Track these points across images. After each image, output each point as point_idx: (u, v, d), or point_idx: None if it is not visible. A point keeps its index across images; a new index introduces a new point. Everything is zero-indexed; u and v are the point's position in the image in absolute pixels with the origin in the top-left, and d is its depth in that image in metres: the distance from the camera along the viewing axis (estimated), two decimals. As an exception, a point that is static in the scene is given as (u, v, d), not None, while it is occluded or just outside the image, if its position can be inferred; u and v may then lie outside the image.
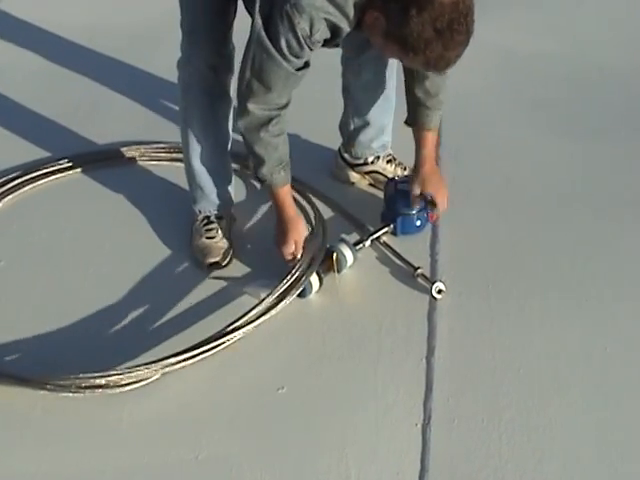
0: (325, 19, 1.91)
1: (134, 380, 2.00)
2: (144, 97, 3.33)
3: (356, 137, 2.68)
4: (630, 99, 3.33)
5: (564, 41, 3.76)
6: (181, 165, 2.61)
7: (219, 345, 2.05)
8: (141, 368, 1.99)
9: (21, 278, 2.42)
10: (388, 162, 2.73)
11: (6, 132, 3.11)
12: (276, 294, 2.17)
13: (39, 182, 2.79)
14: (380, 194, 2.65)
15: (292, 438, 1.95)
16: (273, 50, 1.94)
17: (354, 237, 2.48)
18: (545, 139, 3.06)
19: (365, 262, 2.43)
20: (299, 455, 1.91)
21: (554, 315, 2.28)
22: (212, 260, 2.41)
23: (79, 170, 2.86)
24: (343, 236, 2.45)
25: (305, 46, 1.94)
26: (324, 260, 2.32)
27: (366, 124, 2.64)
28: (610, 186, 2.80)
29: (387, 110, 2.63)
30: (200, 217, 2.50)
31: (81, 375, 1.97)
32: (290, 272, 2.21)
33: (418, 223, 2.52)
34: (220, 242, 2.45)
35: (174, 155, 2.87)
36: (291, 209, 2.32)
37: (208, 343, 2.04)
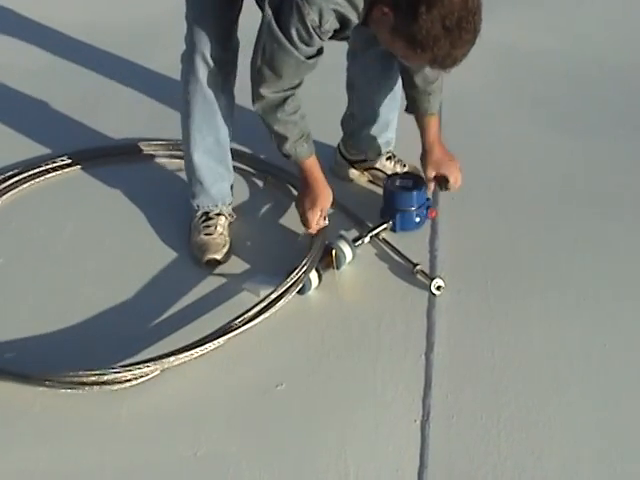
0: (334, 10, 1.94)
1: (133, 377, 2.00)
2: (144, 94, 3.33)
3: (360, 132, 2.68)
4: (630, 96, 3.33)
5: (564, 38, 3.76)
6: (180, 162, 2.61)
7: (218, 343, 2.05)
8: (140, 365, 1.99)
9: (20, 275, 2.42)
10: (388, 159, 2.72)
11: (5, 129, 3.11)
12: (276, 292, 2.16)
13: (38, 179, 2.79)
14: (379, 191, 2.65)
15: (291, 435, 1.95)
16: (284, 39, 1.98)
17: (353, 234, 2.48)
18: (545, 136, 3.05)
19: (364, 259, 2.43)
20: (298, 452, 1.91)
21: (553, 312, 2.27)
22: (211, 257, 2.41)
23: (78, 167, 2.86)
24: (342, 232, 2.45)
25: (315, 35, 1.97)
26: (323, 257, 2.32)
27: (370, 120, 2.64)
28: (610, 183, 2.79)
29: (392, 106, 2.63)
30: (199, 213, 2.50)
31: (80, 372, 1.97)
32: (294, 271, 2.21)
33: (417, 219, 2.52)
34: (219, 239, 2.45)
35: (173, 152, 2.87)
36: (320, 177, 2.34)
37: (207, 341, 2.03)
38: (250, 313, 2.10)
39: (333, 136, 2.78)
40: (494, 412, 1.98)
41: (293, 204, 2.62)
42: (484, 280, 2.37)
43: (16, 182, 2.75)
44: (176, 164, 2.81)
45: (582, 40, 3.76)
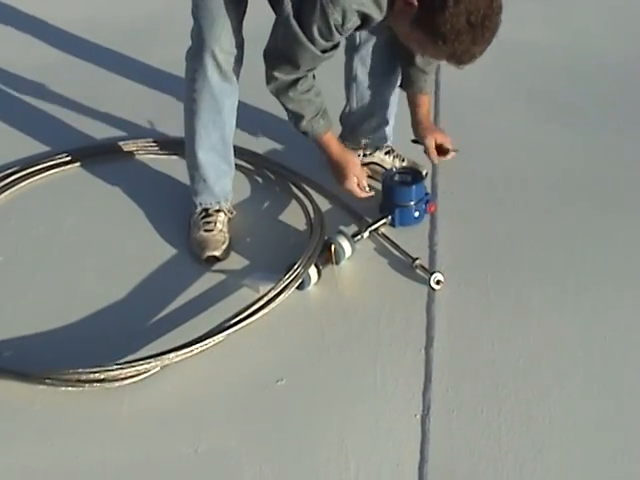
0: (357, 11, 1.97)
1: (133, 374, 2.00)
2: (144, 91, 3.33)
3: (359, 127, 2.68)
4: (629, 89, 3.33)
5: (563, 32, 3.76)
6: (179, 159, 2.61)
7: (218, 339, 2.05)
8: (140, 362, 1.99)
9: (20, 273, 2.42)
10: (387, 153, 2.72)
11: (4, 126, 3.11)
12: (276, 288, 2.16)
13: (37, 177, 2.79)
14: (378, 186, 2.64)
15: (291, 430, 1.95)
16: (302, 35, 2.02)
17: (352, 229, 2.48)
18: (544, 130, 3.05)
19: (363, 254, 2.43)
20: (298, 447, 1.91)
21: (553, 305, 2.27)
22: (210, 254, 2.41)
23: (77, 164, 2.86)
24: (341, 228, 2.44)
25: (336, 33, 2.01)
26: (322, 252, 2.32)
27: (370, 113, 2.65)
28: (609, 177, 2.79)
29: (392, 100, 2.63)
30: (198, 210, 2.50)
31: (80, 369, 1.97)
32: (292, 267, 2.21)
33: (416, 214, 2.52)
34: (218, 235, 2.45)
35: (173, 149, 2.87)
36: (340, 148, 2.38)
37: (207, 337, 2.03)
38: (250, 309, 2.10)
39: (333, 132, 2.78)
40: (494, 406, 1.98)
41: (292, 200, 2.63)
42: (483, 274, 2.37)
43: (15, 180, 2.75)
44: (175, 161, 2.81)
45: (581, 33, 3.75)
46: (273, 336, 2.18)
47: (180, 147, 2.60)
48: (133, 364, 1.99)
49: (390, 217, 2.50)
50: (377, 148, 2.71)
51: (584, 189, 2.73)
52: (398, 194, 2.51)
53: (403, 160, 2.72)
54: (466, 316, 2.24)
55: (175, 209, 2.61)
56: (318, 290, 2.32)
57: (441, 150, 2.55)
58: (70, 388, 1.98)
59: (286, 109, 2.25)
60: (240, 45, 2.29)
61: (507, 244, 2.49)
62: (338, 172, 2.39)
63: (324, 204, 2.62)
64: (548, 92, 3.31)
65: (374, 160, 2.73)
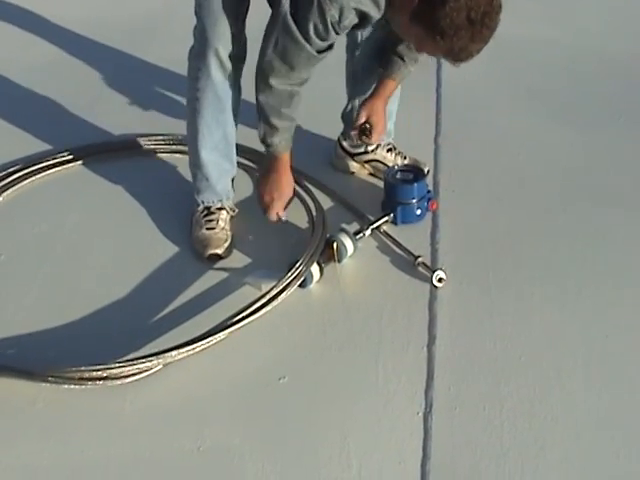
0: (355, 9, 1.96)
1: (135, 372, 2.00)
2: (145, 89, 3.33)
3: None
4: (629, 87, 3.33)
5: (563, 29, 3.76)
6: (182, 157, 2.61)
7: (221, 337, 2.05)
8: (142, 360, 1.99)
9: (22, 271, 2.42)
10: (388, 151, 2.72)
11: (6, 125, 3.11)
12: (278, 286, 2.16)
13: (39, 175, 2.79)
14: (380, 183, 2.65)
15: (294, 428, 1.95)
16: (298, 34, 2.01)
17: (354, 227, 2.48)
18: (544, 128, 3.05)
19: (365, 251, 2.43)
20: (301, 445, 1.91)
21: (555, 303, 2.28)
22: (212, 252, 2.41)
23: (79, 163, 2.86)
24: (343, 226, 2.45)
25: (332, 31, 2.00)
26: (324, 250, 2.32)
27: None
28: (610, 174, 2.80)
29: (393, 97, 2.62)
30: (200, 208, 2.50)
31: (83, 367, 1.97)
32: (294, 265, 2.21)
33: (418, 212, 2.52)
34: (220, 233, 2.45)
35: (174, 147, 2.87)
36: (289, 170, 2.38)
37: (209, 335, 2.03)
38: (252, 307, 2.10)
39: (333, 129, 2.78)
40: (496, 403, 1.99)
41: (295, 198, 2.62)
42: (485, 272, 2.38)
43: (17, 178, 2.75)
44: (177, 159, 2.82)
45: (581, 31, 3.75)
46: (275, 334, 2.18)
47: (182, 145, 2.59)
48: (135, 362, 1.99)
49: (392, 215, 2.50)
50: (378, 145, 2.71)
51: (584, 187, 2.74)
52: (400, 192, 2.52)
53: (405, 158, 2.72)
54: (468, 314, 2.24)
55: (177, 207, 2.61)
56: (320, 288, 2.32)
57: (362, 130, 2.50)
58: (72, 386, 1.98)
59: (266, 122, 2.23)
60: (243, 44, 2.29)
61: (508, 242, 2.50)
62: (275, 188, 2.37)
63: (326, 202, 2.62)
64: (548, 90, 3.31)
65: (376, 157, 2.73)
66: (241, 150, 2.65)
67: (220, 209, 2.50)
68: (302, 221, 2.54)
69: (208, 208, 2.50)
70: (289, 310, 2.20)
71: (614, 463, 1.86)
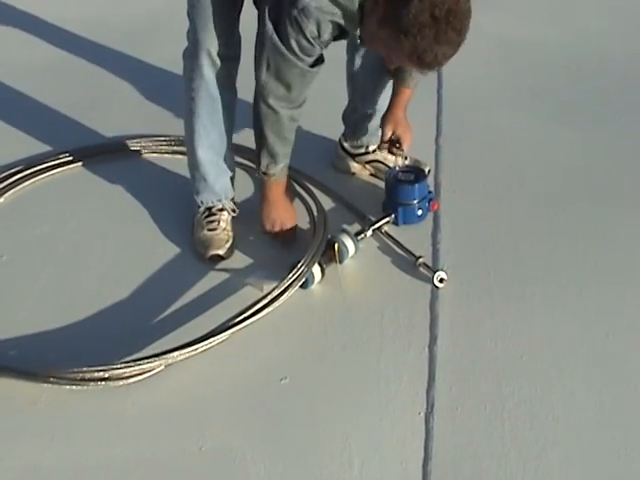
0: (331, 21, 1.97)
1: (137, 372, 2.00)
2: (144, 90, 3.34)
3: (362, 125, 2.69)
4: (629, 87, 3.34)
5: (564, 29, 3.76)
6: (182, 158, 2.61)
7: (222, 337, 2.05)
8: (144, 361, 1.99)
9: (24, 272, 2.43)
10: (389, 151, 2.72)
11: (7, 126, 3.11)
12: (280, 287, 2.17)
13: (41, 176, 2.79)
14: (381, 184, 2.65)
15: (295, 428, 1.95)
16: (286, 51, 2.02)
17: (355, 227, 2.48)
18: (545, 127, 3.06)
19: (367, 252, 2.43)
20: (302, 445, 1.91)
21: (556, 303, 2.28)
22: (214, 252, 2.41)
23: (80, 164, 2.87)
24: (344, 227, 2.45)
25: (316, 45, 2.02)
26: (326, 251, 2.32)
27: (372, 111, 2.65)
28: (610, 174, 2.80)
29: (383, 93, 2.62)
30: (202, 209, 2.51)
31: (84, 368, 1.97)
32: (295, 266, 2.21)
33: (419, 213, 2.52)
34: (222, 234, 2.45)
35: (175, 148, 2.88)
36: (286, 197, 2.44)
37: (211, 335, 2.04)
38: (253, 308, 2.10)
39: (334, 130, 2.79)
40: (498, 403, 1.99)
41: (295, 199, 2.63)
42: (486, 272, 2.38)
43: (19, 179, 2.76)
44: (178, 160, 2.81)
45: (582, 31, 3.76)
46: (277, 335, 2.18)
47: (182, 146, 2.59)
48: (137, 363, 1.99)
49: (393, 215, 2.51)
50: (380, 145, 2.71)
51: (585, 187, 2.74)
52: (401, 192, 2.52)
53: (406, 158, 2.72)
54: (469, 314, 2.25)
55: (178, 208, 2.61)
56: (321, 289, 2.33)
57: (392, 144, 2.58)
58: (74, 387, 1.98)
59: (268, 149, 2.27)
60: (236, 44, 2.29)
61: (509, 242, 2.50)
62: (277, 218, 2.44)
63: (327, 203, 2.62)
64: (550, 90, 3.32)
65: (377, 158, 2.73)
66: (242, 151, 2.66)
67: (221, 210, 2.51)
68: (303, 222, 2.54)
69: (209, 209, 2.50)
70: (290, 311, 2.21)
71: (615, 463, 1.86)
